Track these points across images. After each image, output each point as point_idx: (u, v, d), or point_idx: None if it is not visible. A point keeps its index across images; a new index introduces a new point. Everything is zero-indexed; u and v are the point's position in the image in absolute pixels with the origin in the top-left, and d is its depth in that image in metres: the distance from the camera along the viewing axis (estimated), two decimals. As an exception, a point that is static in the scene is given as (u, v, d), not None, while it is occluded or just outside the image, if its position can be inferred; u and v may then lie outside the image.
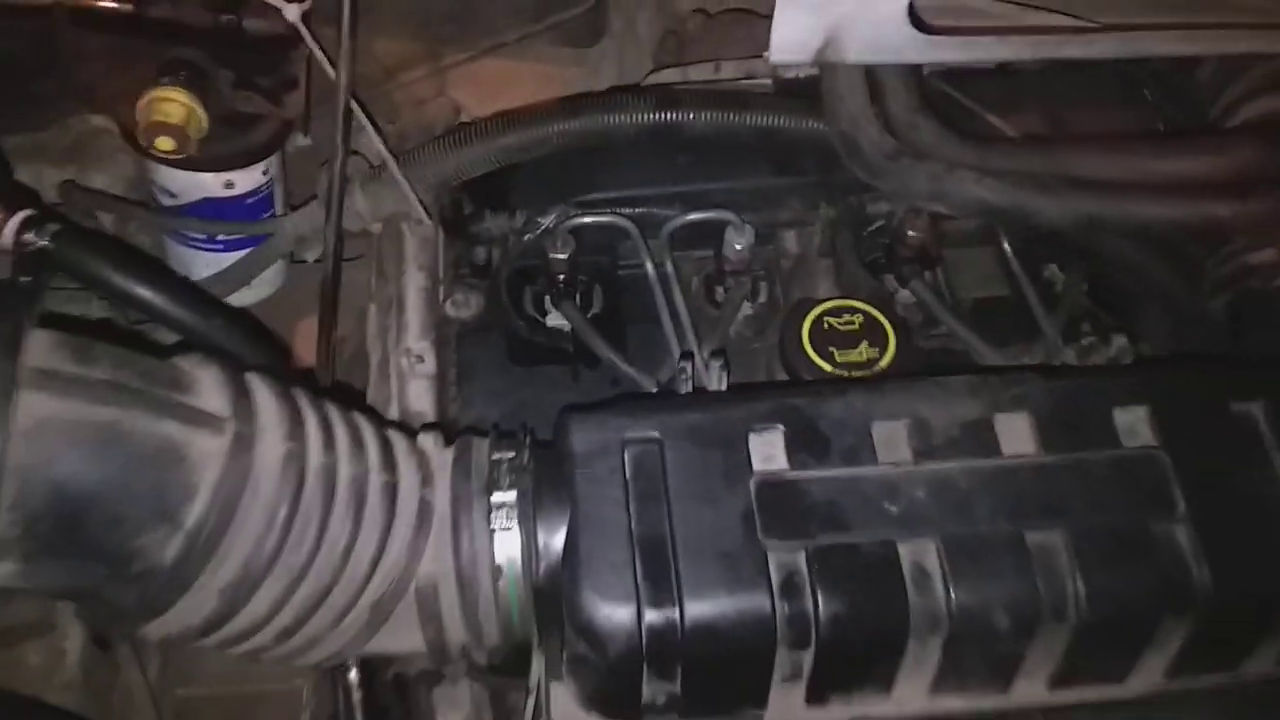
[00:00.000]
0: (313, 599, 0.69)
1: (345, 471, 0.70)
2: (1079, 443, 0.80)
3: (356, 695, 0.93)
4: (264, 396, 0.69)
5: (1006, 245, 1.08)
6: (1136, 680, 0.81)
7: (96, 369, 0.62)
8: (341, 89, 0.97)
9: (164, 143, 0.97)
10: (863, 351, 1.03)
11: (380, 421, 0.80)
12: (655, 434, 0.79)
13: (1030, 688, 0.80)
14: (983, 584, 0.75)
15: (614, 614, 0.73)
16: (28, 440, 0.58)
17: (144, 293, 0.85)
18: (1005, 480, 0.78)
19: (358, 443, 0.73)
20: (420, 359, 1.08)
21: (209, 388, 0.67)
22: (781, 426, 0.79)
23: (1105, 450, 0.79)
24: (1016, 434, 0.80)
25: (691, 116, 1.03)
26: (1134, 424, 0.81)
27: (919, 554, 0.75)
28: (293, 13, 0.97)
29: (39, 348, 0.60)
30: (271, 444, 0.67)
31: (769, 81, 1.15)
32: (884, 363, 0.99)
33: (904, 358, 1.01)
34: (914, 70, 0.97)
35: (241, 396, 0.67)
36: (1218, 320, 0.96)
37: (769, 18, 0.86)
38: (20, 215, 0.84)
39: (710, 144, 1.08)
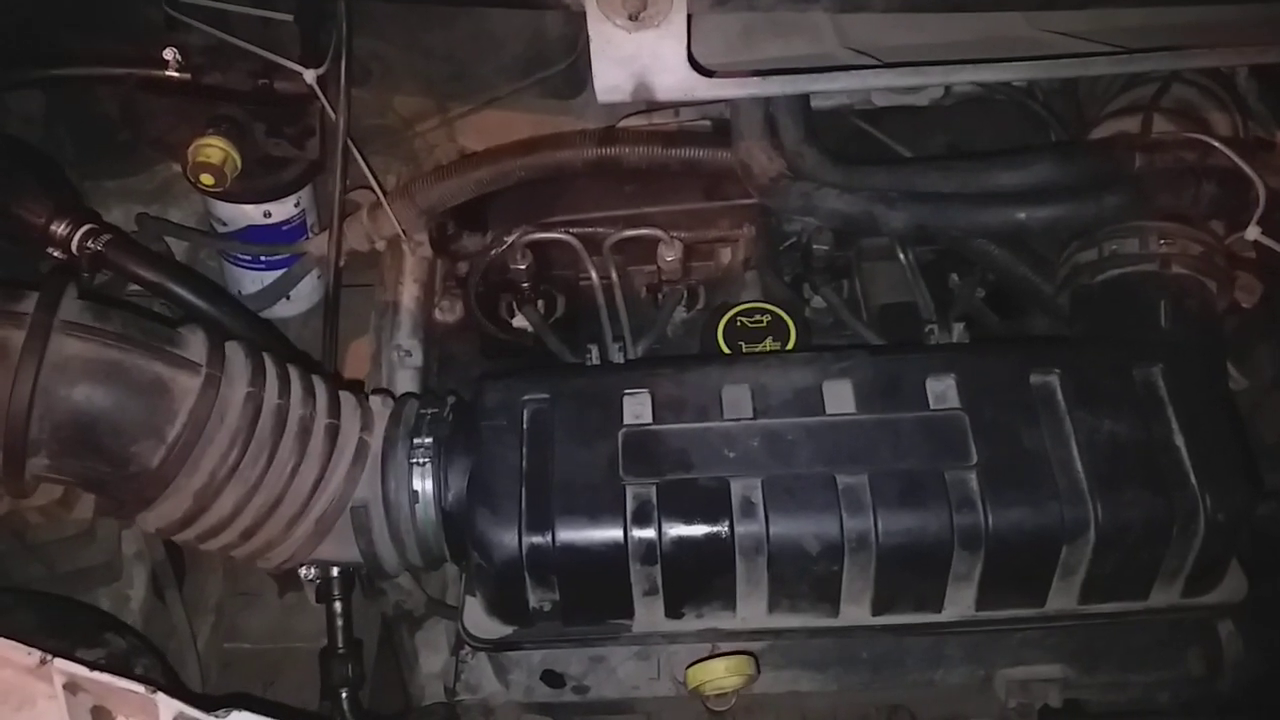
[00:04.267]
0: (266, 507, 0.91)
1: (295, 413, 0.93)
2: (893, 405, 0.96)
3: (339, 623, 1.14)
4: (236, 354, 0.93)
5: (902, 257, 1.25)
6: (951, 608, 0.95)
7: (110, 324, 0.86)
8: (340, 133, 1.23)
9: (207, 179, 1.23)
10: (767, 345, 1.20)
11: (341, 385, 1.03)
12: (547, 395, 0.99)
13: (857, 611, 0.95)
14: (797, 515, 0.91)
15: (502, 534, 0.92)
16: (56, 370, 0.83)
17: (167, 284, 1.12)
18: (825, 433, 0.94)
19: (309, 394, 0.95)
20: (409, 353, 1.31)
21: (193, 344, 0.90)
22: (648, 390, 0.98)
23: (915, 411, 0.95)
24: (840, 397, 0.96)
25: (627, 151, 1.24)
26: (944, 391, 0.96)
27: (747, 490, 0.92)
28: (310, 76, 1.24)
29: (70, 307, 0.85)
30: (237, 387, 0.90)
31: (708, 122, 1.35)
32: (784, 354, 1.17)
33: (802, 349, 1.18)
34: (804, 109, 1.16)
35: (217, 352, 0.91)
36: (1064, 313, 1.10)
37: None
38: (84, 228, 1.13)
39: (651, 174, 1.28)
